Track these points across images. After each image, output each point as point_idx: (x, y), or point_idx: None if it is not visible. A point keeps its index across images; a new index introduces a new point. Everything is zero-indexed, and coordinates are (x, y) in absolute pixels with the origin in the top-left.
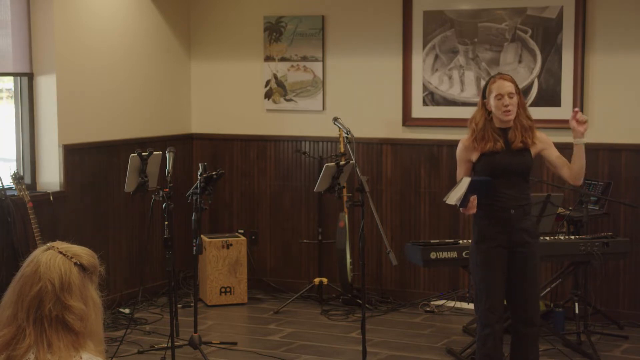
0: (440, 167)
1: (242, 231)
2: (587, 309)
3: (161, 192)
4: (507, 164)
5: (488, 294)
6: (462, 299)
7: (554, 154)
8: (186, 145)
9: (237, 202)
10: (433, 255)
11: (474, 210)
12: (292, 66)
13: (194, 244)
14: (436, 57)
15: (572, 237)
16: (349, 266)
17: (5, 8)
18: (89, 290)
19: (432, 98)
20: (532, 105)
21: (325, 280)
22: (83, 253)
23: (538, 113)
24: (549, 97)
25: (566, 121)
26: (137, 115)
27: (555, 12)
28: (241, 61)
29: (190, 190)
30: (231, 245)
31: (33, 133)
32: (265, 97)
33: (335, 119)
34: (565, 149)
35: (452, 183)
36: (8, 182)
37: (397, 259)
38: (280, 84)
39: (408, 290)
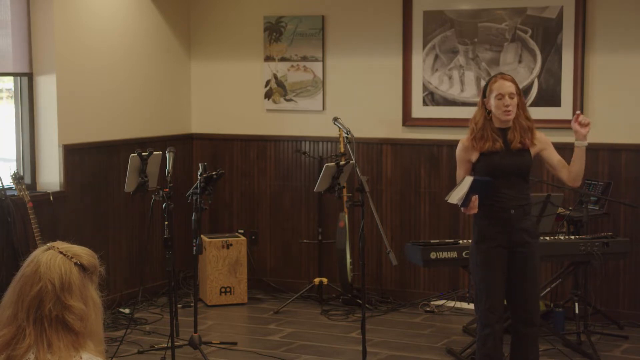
0: (440, 167)
1: (242, 231)
2: (587, 309)
3: (161, 192)
4: (506, 164)
5: (488, 294)
6: (462, 299)
7: (553, 155)
8: (186, 145)
9: (237, 202)
10: (433, 255)
11: (475, 210)
12: (292, 66)
13: (194, 244)
14: (436, 57)
15: (572, 237)
16: (349, 266)
17: (5, 8)
18: (89, 290)
19: (432, 98)
20: (532, 105)
21: (325, 280)
22: (83, 253)
23: (538, 113)
24: (549, 97)
25: (566, 121)
26: (137, 115)
27: (555, 12)
28: (241, 61)
29: (190, 190)
30: (231, 245)
31: (33, 133)
32: (265, 97)
33: (335, 119)
34: (565, 149)
35: (452, 183)
36: (8, 182)
37: (397, 259)
38: (280, 84)
39: (408, 290)
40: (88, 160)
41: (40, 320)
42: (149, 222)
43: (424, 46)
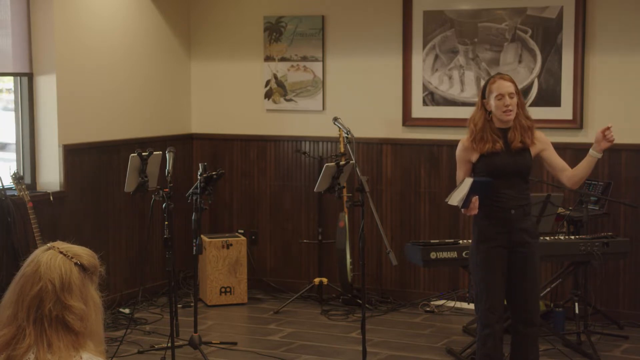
0: (440, 167)
1: (242, 231)
2: (587, 309)
3: (161, 192)
4: (506, 164)
5: (488, 294)
6: (462, 299)
7: (553, 156)
8: (186, 145)
9: (237, 202)
10: (433, 255)
11: (475, 211)
12: (292, 66)
13: (194, 244)
14: (436, 57)
15: (572, 237)
16: (349, 266)
17: (5, 8)
18: (89, 290)
19: (432, 98)
20: (532, 105)
21: (325, 280)
22: (83, 253)
23: (538, 113)
24: (549, 97)
25: (566, 121)
26: (137, 115)
27: (555, 12)
28: (241, 61)
29: (190, 190)
30: (231, 245)
31: (33, 133)
32: (265, 97)
33: (335, 119)
34: (565, 149)
35: (452, 183)
36: (8, 182)
37: (397, 259)
38: (280, 84)
39: (408, 290)
40: (88, 160)
41: (40, 320)
42: (149, 222)
43: (424, 46)
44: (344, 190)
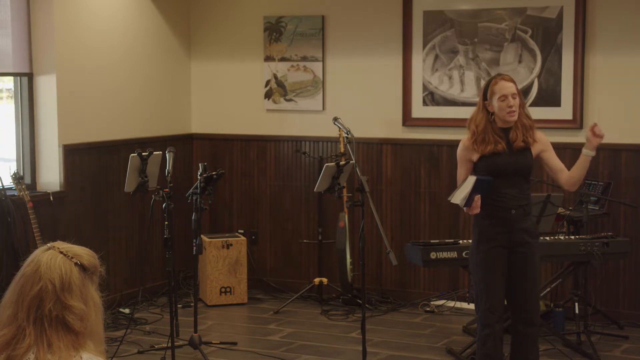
0: (440, 167)
1: (242, 231)
2: (587, 309)
3: (161, 192)
4: (508, 164)
5: (488, 294)
6: (462, 299)
7: (552, 157)
8: (186, 145)
9: (237, 202)
10: (433, 255)
11: (477, 210)
12: (292, 66)
13: (194, 244)
14: (436, 57)
15: (572, 237)
16: (349, 266)
17: (5, 8)
18: (90, 290)
19: (432, 98)
20: (532, 105)
21: (325, 280)
22: (84, 253)
23: (538, 113)
24: (549, 97)
25: (566, 121)
26: (137, 115)
27: (555, 12)
28: (241, 61)
29: (190, 190)
30: (231, 245)
31: (33, 133)
32: (265, 97)
33: (335, 119)
34: (565, 149)
35: (452, 183)
36: (8, 182)
37: (397, 259)
38: (280, 84)
39: (408, 290)
40: (88, 160)
41: (40, 320)
42: (149, 222)
43: (424, 46)
44: (344, 190)
